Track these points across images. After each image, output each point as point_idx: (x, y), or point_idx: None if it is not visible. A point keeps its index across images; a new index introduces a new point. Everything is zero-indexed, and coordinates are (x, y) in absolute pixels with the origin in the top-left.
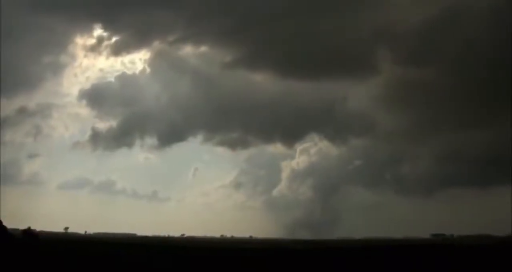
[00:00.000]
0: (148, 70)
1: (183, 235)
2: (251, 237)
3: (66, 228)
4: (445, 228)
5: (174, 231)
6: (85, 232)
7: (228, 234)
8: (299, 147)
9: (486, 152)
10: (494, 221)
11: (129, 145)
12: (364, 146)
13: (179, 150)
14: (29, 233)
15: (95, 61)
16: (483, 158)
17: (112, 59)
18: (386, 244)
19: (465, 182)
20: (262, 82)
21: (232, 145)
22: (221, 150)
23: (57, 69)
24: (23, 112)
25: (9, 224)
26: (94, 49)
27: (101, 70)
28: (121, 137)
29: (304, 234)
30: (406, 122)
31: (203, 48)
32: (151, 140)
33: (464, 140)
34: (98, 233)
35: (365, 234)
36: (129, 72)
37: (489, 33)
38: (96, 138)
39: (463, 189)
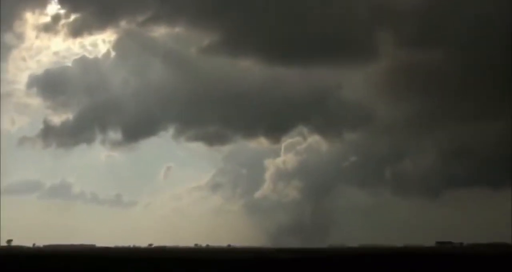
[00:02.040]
0: (113, 54)
1: (151, 245)
2: (229, 246)
3: (9, 241)
4: (452, 235)
5: (140, 240)
6: (33, 244)
7: (203, 243)
8: (285, 142)
9: (500, 147)
10: (510, 227)
11: (89, 141)
12: (361, 141)
13: (148, 146)
14: None
15: (49, 42)
16: (496, 154)
17: (70, 41)
18: (385, 253)
19: (476, 182)
20: (244, 68)
21: (209, 140)
22: (196, 146)
23: (2, 51)
24: None
25: None
26: (48, 28)
27: (56, 53)
28: (78, 132)
29: (291, 242)
30: (409, 113)
31: (178, 30)
32: (114, 135)
33: (475, 133)
34: (49, 245)
35: (361, 241)
36: (90, 56)
37: (505, 8)
38: (49, 133)
39: (474, 190)
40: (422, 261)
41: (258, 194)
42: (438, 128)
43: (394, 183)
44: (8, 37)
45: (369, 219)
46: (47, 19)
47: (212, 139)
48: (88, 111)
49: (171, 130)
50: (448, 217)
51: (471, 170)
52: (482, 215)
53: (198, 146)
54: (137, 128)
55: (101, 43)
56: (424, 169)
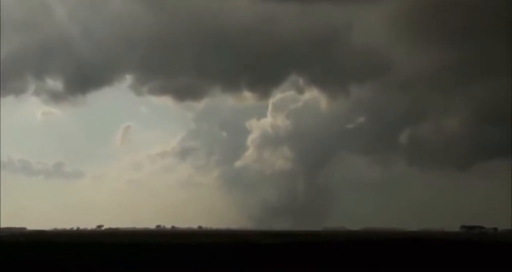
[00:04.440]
0: None
1: (100, 226)
2: (200, 228)
3: None
4: (484, 219)
5: (87, 222)
6: None
7: (167, 224)
8: (274, 98)
9: None
10: None
11: (19, 92)
12: (371, 97)
13: (99, 100)
14: None
15: None
16: None
17: None
18: (394, 239)
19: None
20: (229, 2)
21: (179, 94)
22: (162, 102)
23: None
24: None
25: None
26: None
27: None
28: (5, 80)
29: (279, 224)
30: (435, 63)
31: None
32: (54, 85)
33: None
34: None
35: (366, 224)
36: None
37: None
38: None
39: (508, 160)
40: (439, 250)
41: (238, 164)
42: (472, 83)
43: (411, 151)
44: None
45: (378, 197)
46: None
47: (183, 93)
48: (18, 52)
49: (129, 80)
50: (480, 195)
51: (510, 137)
52: None
53: (165, 101)
54: (85, 76)
55: None
56: (450, 134)
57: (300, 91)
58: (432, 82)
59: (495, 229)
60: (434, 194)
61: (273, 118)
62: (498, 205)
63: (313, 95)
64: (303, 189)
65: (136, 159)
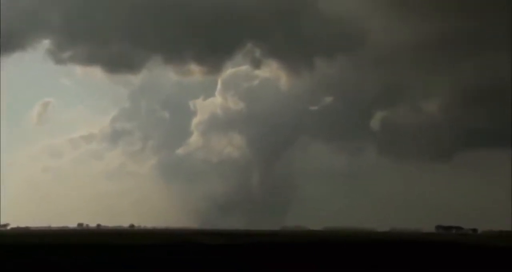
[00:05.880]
0: None
1: (5, 226)
2: (133, 226)
3: None
4: (464, 218)
5: None
6: None
7: (91, 222)
8: (226, 72)
9: None
10: None
11: None
12: (340, 74)
13: (7, 69)
14: None
15: None
16: None
17: None
18: (359, 240)
19: (501, 140)
20: None
21: (110, 64)
22: (88, 73)
23: None
24: None
25: None
26: None
27: None
28: None
29: (230, 223)
30: (418, 36)
31: None
32: None
33: (508, 67)
34: None
35: (330, 223)
36: None
37: None
38: None
39: (502, 152)
40: (410, 253)
41: (180, 151)
42: (459, 60)
43: (383, 138)
44: None
45: (344, 191)
46: None
47: (115, 63)
48: None
49: (47, 44)
50: (461, 190)
51: (501, 123)
52: (510, 188)
53: (92, 73)
54: None
55: None
56: (430, 119)
57: (256, 65)
58: (412, 59)
59: (475, 230)
60: (409, 189)
61: (223, 97)
62: (482, 203)
63: (271, 70)
64: (258, 182)
65: (55, 143)
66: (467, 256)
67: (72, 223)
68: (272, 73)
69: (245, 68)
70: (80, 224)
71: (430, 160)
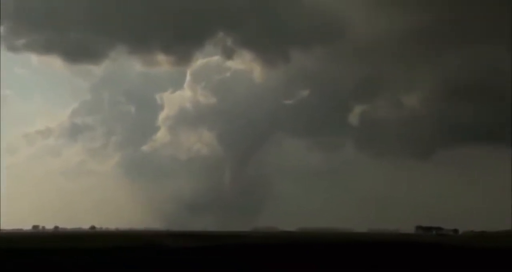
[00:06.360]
0: None
1: None
2: (93, 228)
3: None
4: (444, 218)
5: None
6: None
7: (49, 224)
8: (195, 63)
9: None
10: None
11: None
12: (317, 66)
13: None
14: None
15: None
16: None
17: None
18: (334, 241)
19: (488, 137)
20: None
21: (70, 53)
22: (45, 62)
23: None
24: None
25: None
26: None
27: None
28: None
29: (199, 224)
30: (396, 28)
31: None
32: None
33: (495, 63)
34: None
35: (304, 223)
36: None
37: None
38: None
39: (484, 148)
40: (387, 255)
41: (145, 148)
42: (442, 52)
43: (362, 134)
44: None
45: (320, 189)
46: None
47: (75, 52)
48: None
49: (1, 30)
50: (442, 190)
51: (482, 118)
52: (494, 187)
53: (49, 62)
54: None
55: None
56: (410, 113)
57: (228, 55)
58: (393, 51)
59: (456, 231)
60: (388, 187)
61: (192, 90)
62: (464, 202)
63: (244, 61)
64: (230, 180)
65: (9, 139)
66: (447, 257)
67: (26, 226)
68: (245, 64)
69: (216, 58)
70: (35, 226)
71: (411, 156)
